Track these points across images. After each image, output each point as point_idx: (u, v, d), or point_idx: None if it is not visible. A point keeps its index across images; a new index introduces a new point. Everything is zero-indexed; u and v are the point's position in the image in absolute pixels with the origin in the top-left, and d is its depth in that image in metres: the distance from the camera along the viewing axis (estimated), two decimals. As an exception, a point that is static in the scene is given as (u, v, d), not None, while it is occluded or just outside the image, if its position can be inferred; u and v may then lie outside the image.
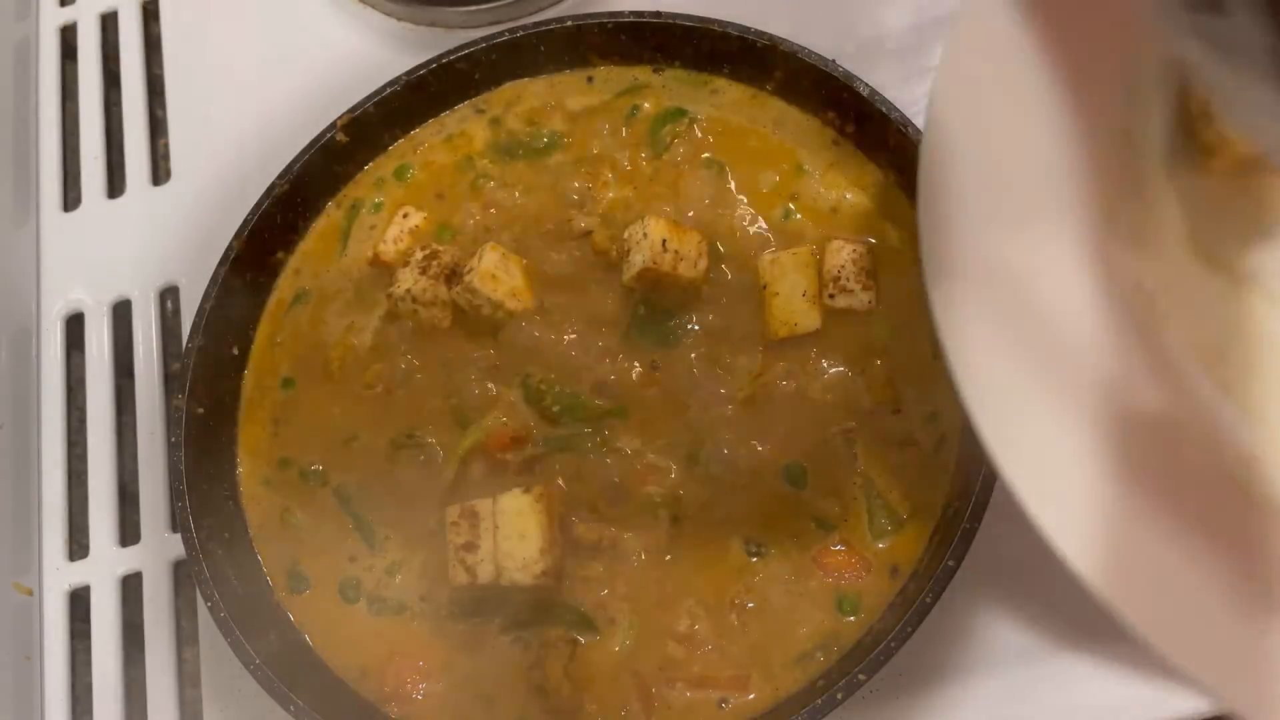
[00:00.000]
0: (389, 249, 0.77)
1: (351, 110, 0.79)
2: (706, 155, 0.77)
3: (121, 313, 0.87)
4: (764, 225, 0.74)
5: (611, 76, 0.81)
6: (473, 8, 0.89)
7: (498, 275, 0.73)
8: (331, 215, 0.80)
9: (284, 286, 0.79)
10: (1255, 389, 0.52)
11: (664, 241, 0.70)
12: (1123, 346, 0.50)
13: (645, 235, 0.70)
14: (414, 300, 0.74)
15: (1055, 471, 0.47)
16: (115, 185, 0.93)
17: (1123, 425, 0.47)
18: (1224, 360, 0.52)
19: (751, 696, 0.64)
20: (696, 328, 0.72)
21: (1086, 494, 0.46)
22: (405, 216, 0.78)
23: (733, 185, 0.76)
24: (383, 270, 0.77)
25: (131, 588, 0.79)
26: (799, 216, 0.74)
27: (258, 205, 0.77)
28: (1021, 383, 0.48)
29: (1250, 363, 0.52)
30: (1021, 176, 0.52)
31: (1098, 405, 0.48)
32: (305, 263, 0.80)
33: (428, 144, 0.81)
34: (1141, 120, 0.55)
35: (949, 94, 0.53)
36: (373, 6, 0.93)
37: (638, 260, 0.70)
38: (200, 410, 0.73)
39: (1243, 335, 0.53)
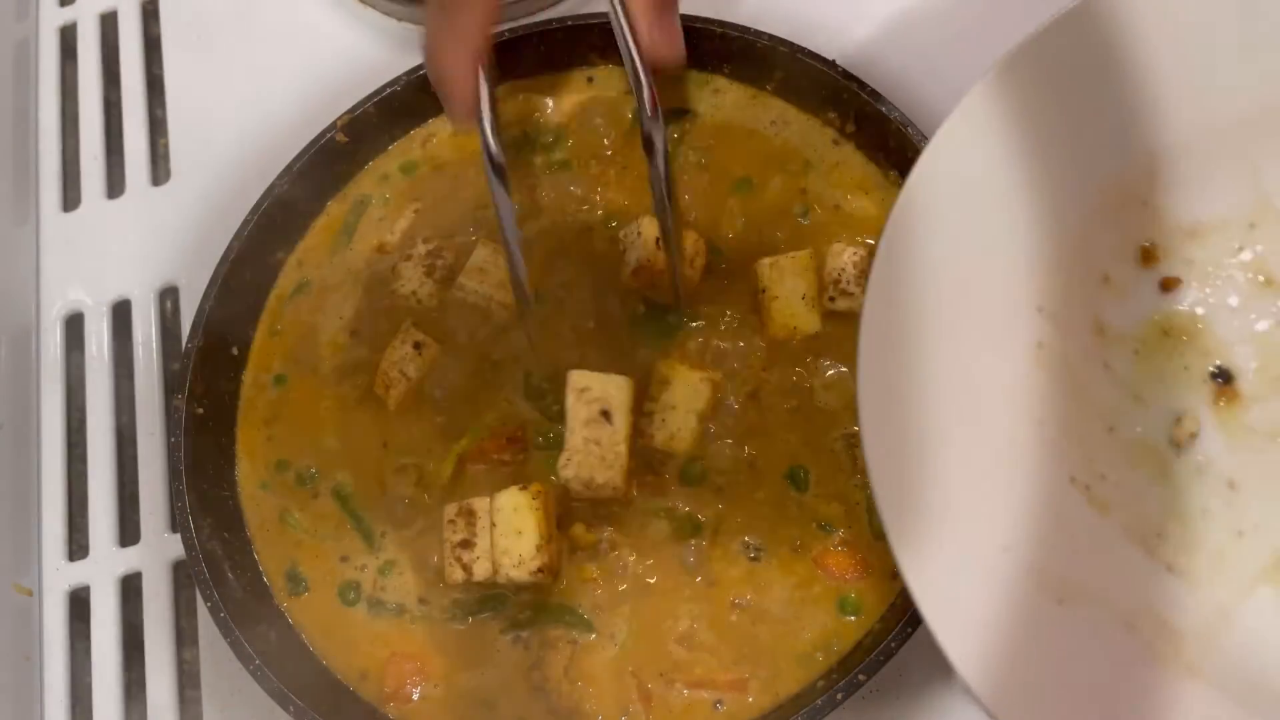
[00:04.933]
0: (394, 240, 0.78)
1: (351, 110, 0.79)
2: (708, 155, 0.77)
3: (121, 313, 0.87)
4: (765, 226, 0.74)
5: (612, 76, 0.81)
6: (473, 8, 0.89)
7: (485, 269, 0.73)
8: (333, 213, 0.80)
9: (285, 280, 0.79)
10: (1196, 562, 0.54)
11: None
12: (1063, 542, 0.52)
13: (640, 234, 0.70)
14: (418, 301, 0.74)
15: (990, 646, 0.48)
16: (115, 185, 0.93)
17: (1060, 609, 0.50)
18: (1163, 540, 0.55)
19: (751, 699, 0.64)
20: (696, 325, 0.72)
21: (1017, 667, 0.48)
22: (416, 212, 0.79)
23: (733, 185, 0.76)
24: (386, 260, 0.77)
25: (131, 588, 0.79)
26: (800, 218, 0.74)
27: (258, 205, 0.77)
28: (964, 572, 0.50)
29: (1188, 539, 0.55)
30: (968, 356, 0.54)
31: (1039, 593, 0.50)
32: (307, 255, 0.80)
33: (436, 139, 0.81)
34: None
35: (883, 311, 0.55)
36: (373, 6, 0.93)
37: (633, 259, 0.70)
38: (200, 410, 0.73)
39: (1178, 513, 0.56)
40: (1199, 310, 0.59)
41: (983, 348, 0.54)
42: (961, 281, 0.54)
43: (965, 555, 0.50)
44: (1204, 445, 0.57)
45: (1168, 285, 0.60)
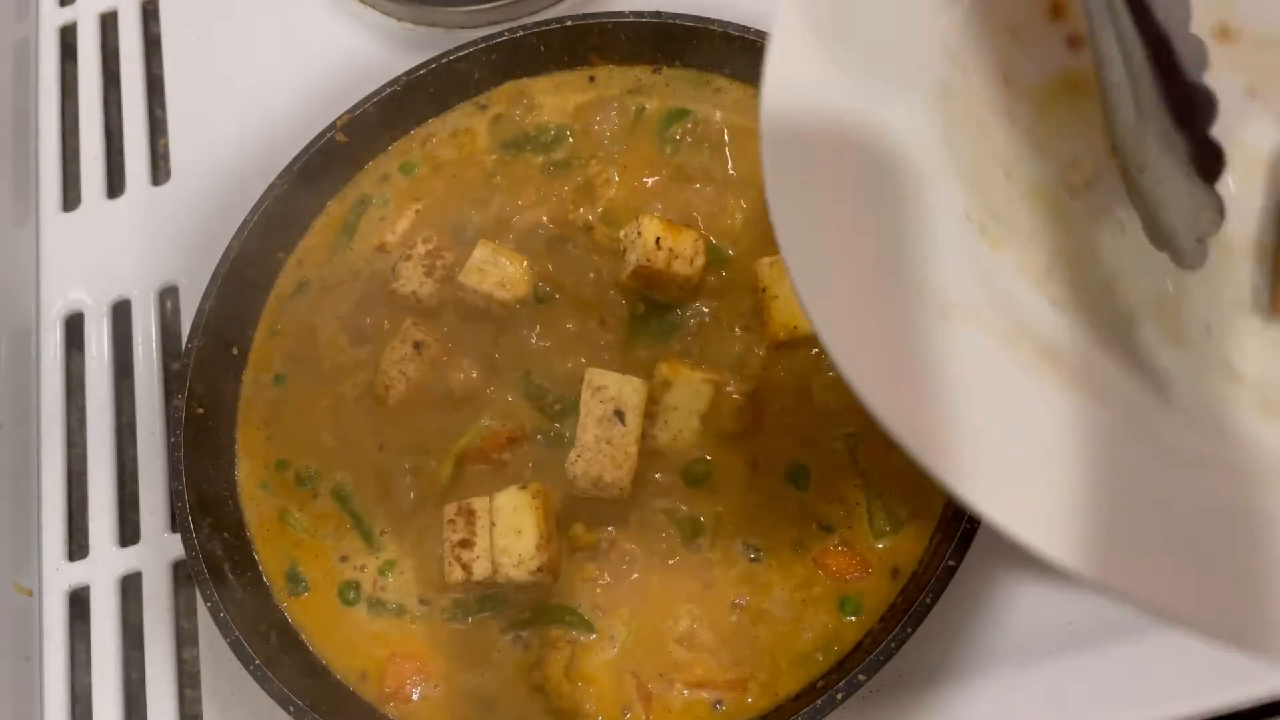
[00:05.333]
0: (394, 240, 0.78)
1: (351, 110, 0.79)
2: (709, 154, 0.77)
3: (121, 313, 0.87)
4: (765, 225, 0.74)
5: (613, 76, 0.81)
6: (473, 8, 0.89)
7: (484, 268, 0.73)
8: (332, 213, 0.81)
9: (285, 280, 0.79)
10: (1082, 298, 0.55)
11: (658, 240, 0.70)
12: (952, 272, 0.52)
13: (639, 234, 0.70)
14: (418, 301, 0.74)
15: (887, 360, 0.47)
16: (115, 185, 0.93)
17: (953, 327, 0.49)
18: (1050, 278, 0.55)
19: (750, 699, 0.64)
20: (696, 324, 0.72)
21: (914, 376, 0.47)
22: (417, 212, 0.79)
23: (735, 185, 0.76)
24: (386, 260, 0.77)
25: (131, 588, 0.79)
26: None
27: (258, 205, 0.77)
28: (864, 297, 0.49)
29: (1076, 276, 0.55)
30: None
31: (933, 313, 0.49)
32: (307, 255, 0.80)
33: (436, 139, 0.81)
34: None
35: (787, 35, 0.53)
36: (373, 6, 0.93)
37: (632, 258, 0.71)
38: (200, 410, 0.73)
39: (1066, 253, 0.56)
40: None
41: (886, 87, 0.53)
42: (863, 33, 0.53)
43: (851, 275, 0.49)
44: (1099, 190, 0.58)
45: (1075, 41, 0.59)
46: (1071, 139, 0.58)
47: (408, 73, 0.80)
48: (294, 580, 0.71)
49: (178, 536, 0.71)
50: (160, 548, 0.79)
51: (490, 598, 0.67)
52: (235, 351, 0.77)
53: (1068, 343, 0.53)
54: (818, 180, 0.51)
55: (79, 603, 0.79)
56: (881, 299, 0.49)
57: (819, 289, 0.48)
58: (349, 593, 0.69)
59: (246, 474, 0.74)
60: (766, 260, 0.71)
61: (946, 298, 0.49)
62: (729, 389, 0.70)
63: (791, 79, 0.51)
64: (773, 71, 0.51)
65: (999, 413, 0.47)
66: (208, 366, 0.74)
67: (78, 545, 0.81)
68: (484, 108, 0.82)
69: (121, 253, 0.89)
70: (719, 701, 0.64)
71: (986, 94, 0.57)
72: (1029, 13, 0.58)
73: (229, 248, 0.76)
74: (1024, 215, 0.57)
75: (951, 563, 0.61)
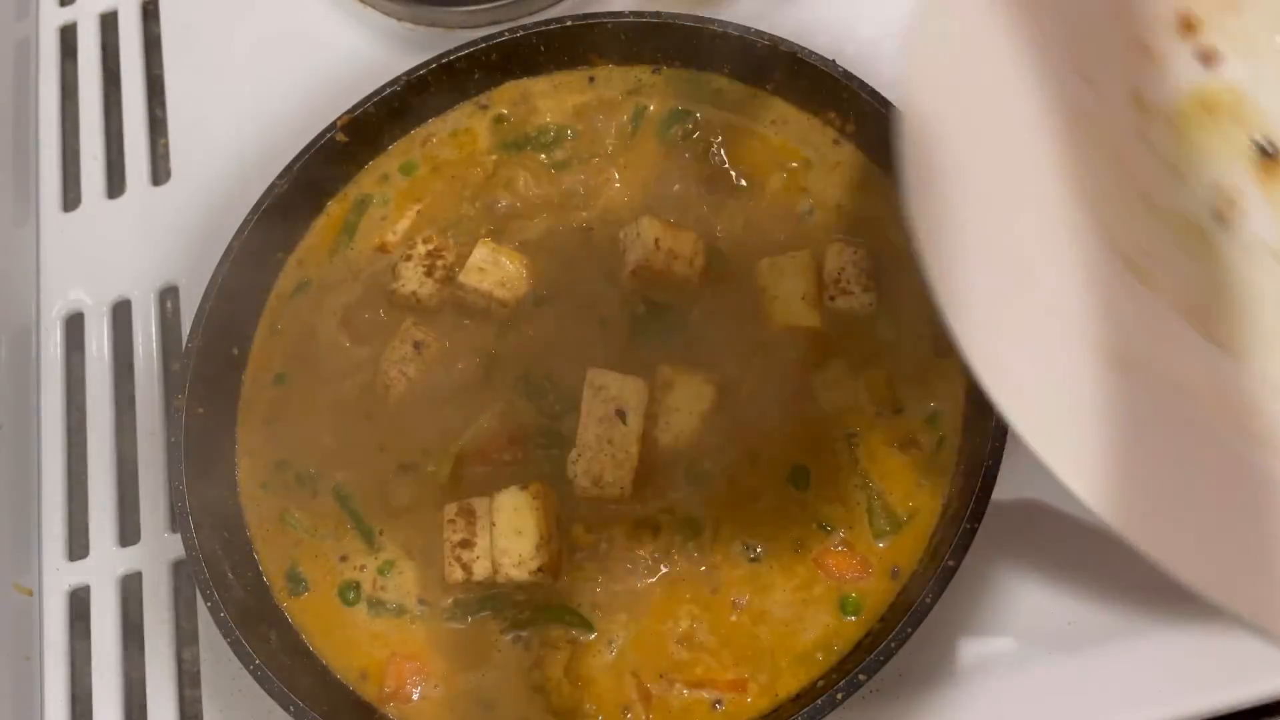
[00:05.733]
0: (395, 240, 0.78)
1: (351, 110, 0.79)
2: (709, 155, 0.77)
3: (121, 313, 0.87)
4: (765, 226, 0.74)
5: (613, 76, 0.81)
6: (473, 8, 0.89)
7: (484, 268, 0.73)
8: (332, 213, 0.81)
9: (285, 280, 0.79)
10: (1247, 339, 0.53)
11: (657, 241, 0.70)
12: (1114, 307, 0.50)
13: (639, 235, 0.70)
14: (418, 301, 0.74)
15: (1059, 414, 0.46)
16: (115, 185, 0.93)
17: (1122, 377, 0.47)
18: (1212, 318, 0.53)
19: (750, 699, 0.64)
20: (696, 325, 0.72)
21: (1088, 432, 0.45)
22: (418, 212, 0.79)
23: (734, 186, 0.76)
24: (386, 260, 0.78)
25: (131, 588, 0.79)
26: (800, 218, 0.74)
27: (258, 205, 0.77)
28: (1022, 340, 0.47)
29: (1238, 317, 0.53)
30: (1003, 147, 0.52)
31: (1098, 359, 0.47)
32: (307, 255, 0.80)
33: (436, 139, 0.81)
34: (1110, 88, 0.56)
35: (923, 65, 0.52)
36: (373, 6, 0.93)
37: (632, 259, 0.71)
38: (200, 410, 0.73)
39: (1226, 291, 0.54)
40: (1240, 82, 0.57)
41: (1023, 118, 0.52)
42: (998, 57, 0.52)
43: (1024, 328, 0.47)
44: (1250, 221, 0.55)
45: (1207, 57, 0.58)
46: (1213, 163, 0.56)
47: (408, 73, 0.80)
48: (294, 580, 0.71)
49: (178, 536, 0.70)
50: (160, 548, 0.79)
51: (490, 598, 0.67)
52: (235, 351, 0.76)
53: (1240, 390, 0.50)
54: (962, 211, 0.49)
55: (79, 603, 0.79)
56: (1041, 342, 0.47)
57: (974, 336, 0.46)
58: (349, 593, 0.70)
59: (246, 474, 0.74)
60: (766, 261, 0.71)
61: (1112, 345, 0.47)
62: (730, 390, 0.70)
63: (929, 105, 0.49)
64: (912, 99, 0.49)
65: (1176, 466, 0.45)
66: (208, 366, 0.74)
67: (78, 545, 0.81)
68: (484, 108, 0.82)
69: (121, 253, 0.89)
70: (719, 701, 0.64)
71: (1120, 119, 0.55)
72: (1158, 29, 0.57)
73: (229, 248, 0.76)
74: (1175, 249, 0.55)
75: (951, 563, 0.61)
